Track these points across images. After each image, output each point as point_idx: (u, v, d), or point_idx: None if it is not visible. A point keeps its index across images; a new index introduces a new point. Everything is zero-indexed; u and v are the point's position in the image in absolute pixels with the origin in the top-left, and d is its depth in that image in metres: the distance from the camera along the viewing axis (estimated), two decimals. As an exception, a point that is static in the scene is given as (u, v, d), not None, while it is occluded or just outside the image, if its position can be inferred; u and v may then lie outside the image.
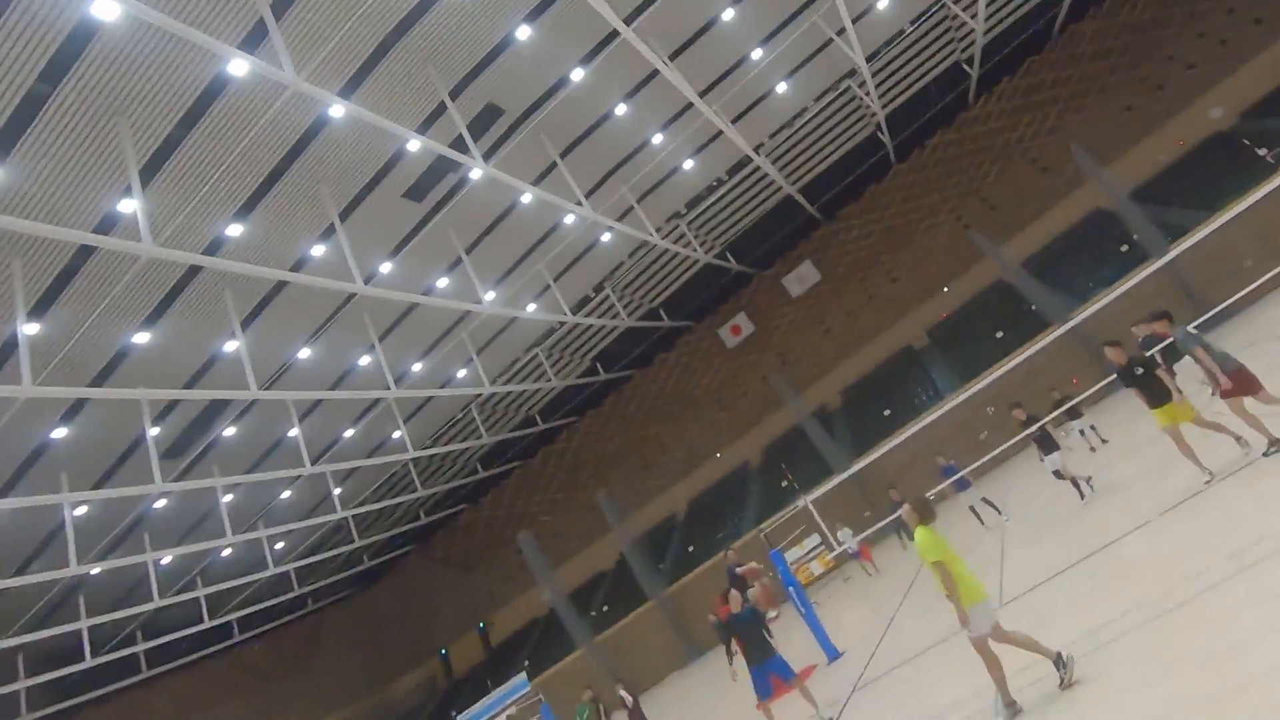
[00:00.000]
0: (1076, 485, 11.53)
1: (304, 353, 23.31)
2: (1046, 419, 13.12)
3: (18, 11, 11.22)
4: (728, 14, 21.47)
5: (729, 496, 33.25)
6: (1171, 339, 8.67)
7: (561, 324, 28.16)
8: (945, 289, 32.72)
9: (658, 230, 27.41)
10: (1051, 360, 23.70)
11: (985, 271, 29.25)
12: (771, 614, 11.13)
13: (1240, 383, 7.41)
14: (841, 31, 22.43)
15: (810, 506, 11.68)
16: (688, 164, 26.81)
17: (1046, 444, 12.54)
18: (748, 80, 24.28)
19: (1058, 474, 12.20)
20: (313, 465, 24.60)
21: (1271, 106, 26.12)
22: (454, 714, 30.35)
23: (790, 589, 11.10)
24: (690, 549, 31.38)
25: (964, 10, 25.78)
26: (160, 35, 12.41)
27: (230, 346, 19.86)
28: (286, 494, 30.19)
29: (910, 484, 22.00)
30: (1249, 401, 7.58)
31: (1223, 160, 25.89)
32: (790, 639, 12.07)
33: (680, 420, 38.19)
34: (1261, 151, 21.70)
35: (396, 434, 29.08)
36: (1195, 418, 8.27)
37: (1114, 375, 9.95)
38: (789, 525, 12.69)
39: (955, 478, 14.97)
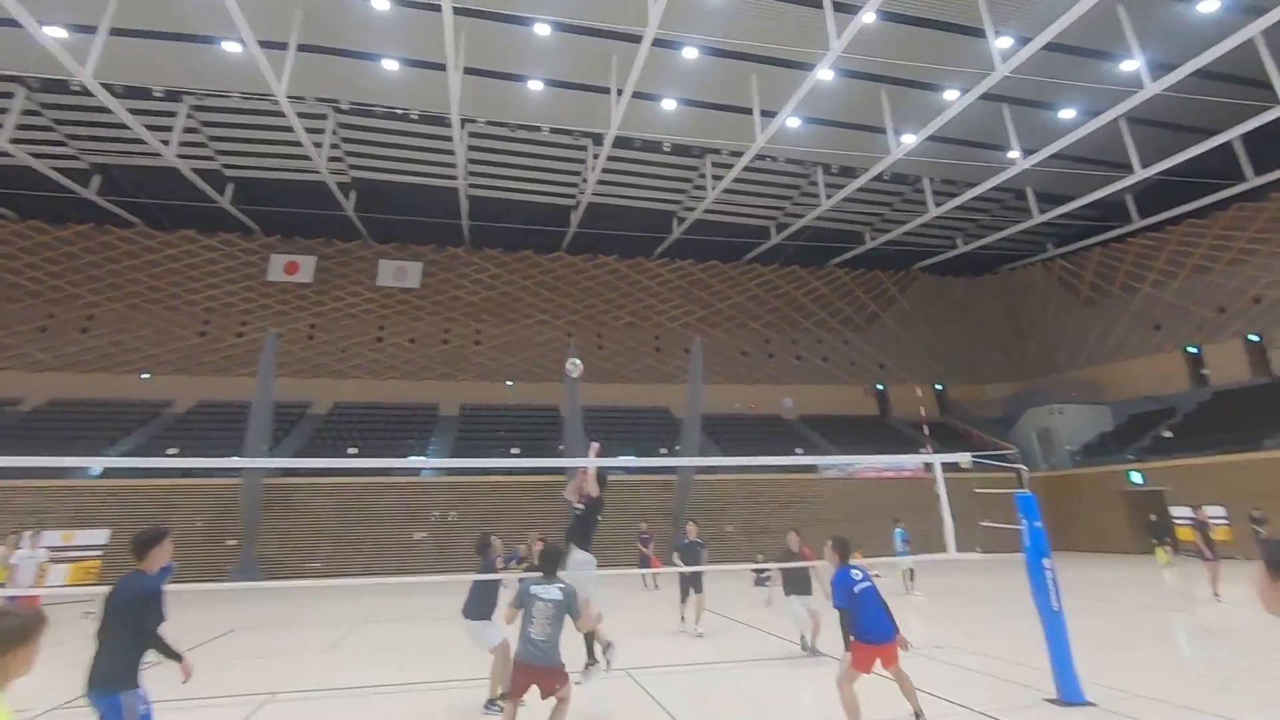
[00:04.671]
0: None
1: None
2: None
3: None
4: None
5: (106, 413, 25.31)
6: None
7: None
8: (510, 383, 30.42)
9: (296, 99, 20.65)
10: (533, 499, 23.17)
11: (551, 393, 27.94)
12: None
13: None
14: (620, 93, 20.26)
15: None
16: (391, 64, 21.07)
17: None
18: (519, 49, 20.40)
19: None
20: None
21: (826, 428, 30.33)
22: None
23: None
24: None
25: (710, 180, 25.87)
26: None
27: None
28: None
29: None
30: None
31: (760, 439, 29.13)
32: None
33: (149, 310, 28.35)
34: (800, 451, 24.88)
35: None
36: None
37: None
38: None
39: None
